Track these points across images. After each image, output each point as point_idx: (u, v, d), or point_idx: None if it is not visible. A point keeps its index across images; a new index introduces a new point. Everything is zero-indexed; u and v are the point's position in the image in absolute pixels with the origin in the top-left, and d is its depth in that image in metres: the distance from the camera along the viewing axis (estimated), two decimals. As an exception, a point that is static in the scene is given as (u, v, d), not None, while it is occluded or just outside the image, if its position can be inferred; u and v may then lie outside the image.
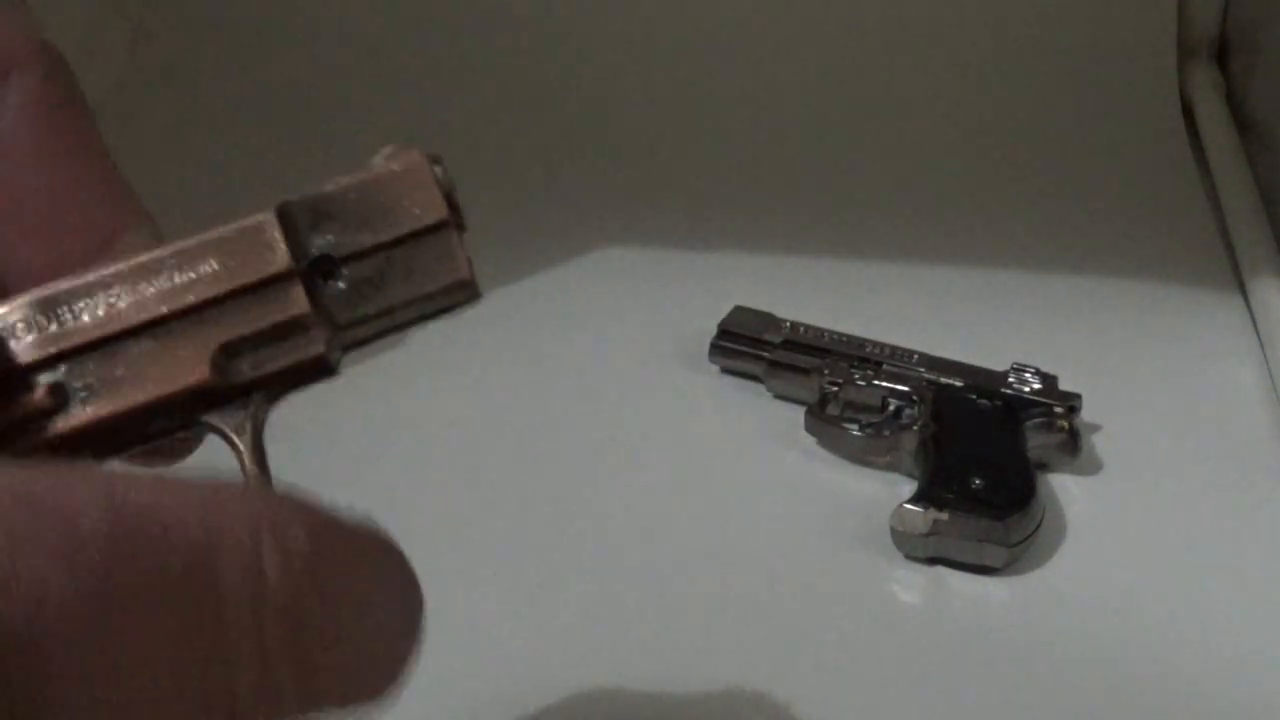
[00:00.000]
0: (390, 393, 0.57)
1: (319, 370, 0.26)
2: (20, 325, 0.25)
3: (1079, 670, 0.45)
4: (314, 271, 0.26)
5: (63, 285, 0.25)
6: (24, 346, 0.25)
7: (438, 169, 0.27)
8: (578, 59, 0.86)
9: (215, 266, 0.25)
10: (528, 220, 0.71)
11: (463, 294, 0.27)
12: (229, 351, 0.26)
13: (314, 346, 0.26)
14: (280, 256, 0.26)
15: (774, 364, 0.58)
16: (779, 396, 0.59)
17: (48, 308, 0.25)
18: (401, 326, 0.27)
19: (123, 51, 0.87)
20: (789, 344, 0.58)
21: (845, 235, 0.71)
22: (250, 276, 0.26)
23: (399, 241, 0.26)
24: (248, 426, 0.26)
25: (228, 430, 0.26)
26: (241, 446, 0.26)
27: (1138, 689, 0.45)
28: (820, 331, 0.59)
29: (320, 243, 0.26)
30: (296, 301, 0.26)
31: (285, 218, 0.26)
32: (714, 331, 0.60)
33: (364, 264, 0.26)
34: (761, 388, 0.59)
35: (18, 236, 0.27)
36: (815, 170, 0.77)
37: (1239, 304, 0.64)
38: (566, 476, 0.55)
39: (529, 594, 0.49)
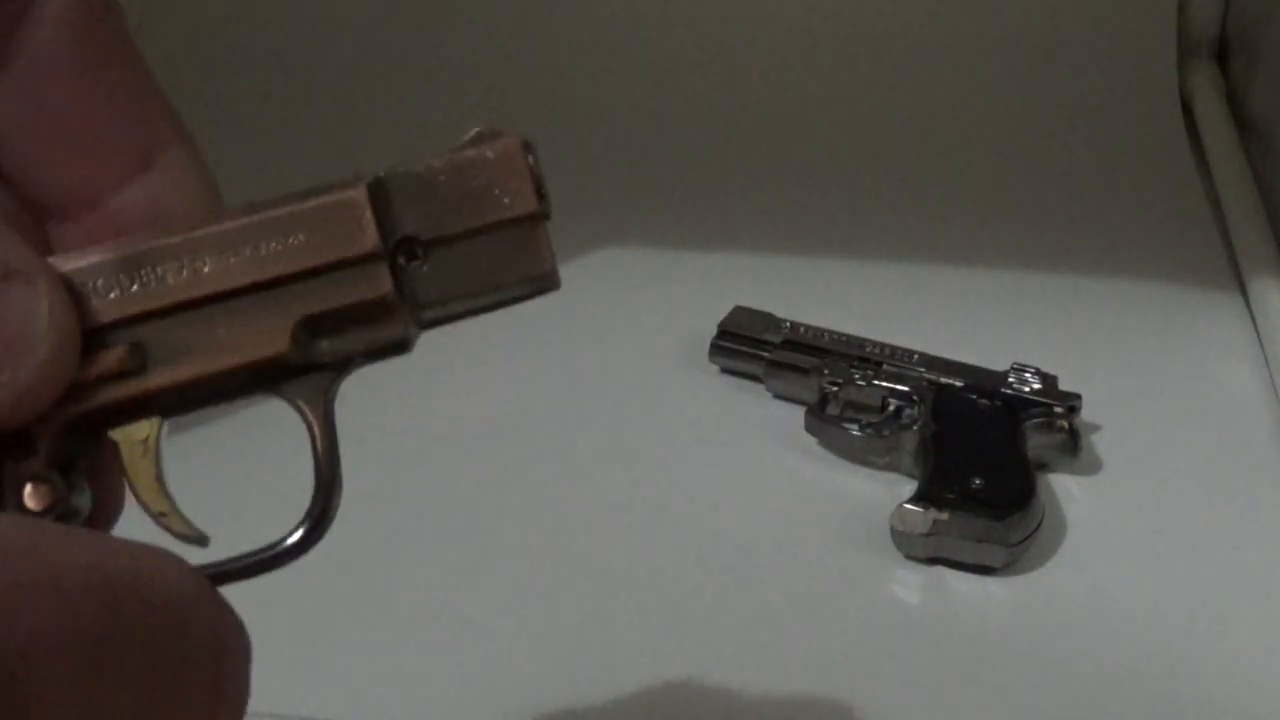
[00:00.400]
0: (389, 393, 0.57)
1: (395, 348, 0.26)
2: (102, 283, 0.25)
3: (1079, 670, 0.45)
4: (398, 251, 0.26)
5: (147, 244, 0.25)
6: (106, 304, 0.25)
7: (530, 158, 0.26)
8: (578, 59, 0.86)
9: (302, 239, 0.25)
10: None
11: (543, 284, 0.27)
12: (309, 326, 0.25)
13: (394, 328, 0.26)
14: (369, 237, 0.25)
15: (774, 364, 0.58)
16: (779, 396, 0.59)
17: (131, 267, 0.25)
18: (479, 311, 0.27)
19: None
20: (789, 344, 0.58)
21: (845, 235, 0.71)
22: (337, 254, 0.25)
23: (487, 229, 0.26)
24: (320, 400, 0.26)
25: (301, 404, 0.26)
26: (313, 420, 0.26)
27: (1138, 688, 0.45)
28: (820, 331, 0.59)
29: (408, 224, 0.26)
30: (381, 282, 0.25)
31: (377, 196, 0.25)
32: (714, 331, 0.60)
33: (449, 249, 0.26)
34: (761, 388, 0.59)
35: (56, 154, 0.26)
36: (815, 170, 0.77)
37: (1239, 304, 0.64)
38: (567, 476, 0.55)
39: (527, 593, 0.49)
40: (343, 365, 0.26)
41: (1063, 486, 0.53)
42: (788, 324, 0.59)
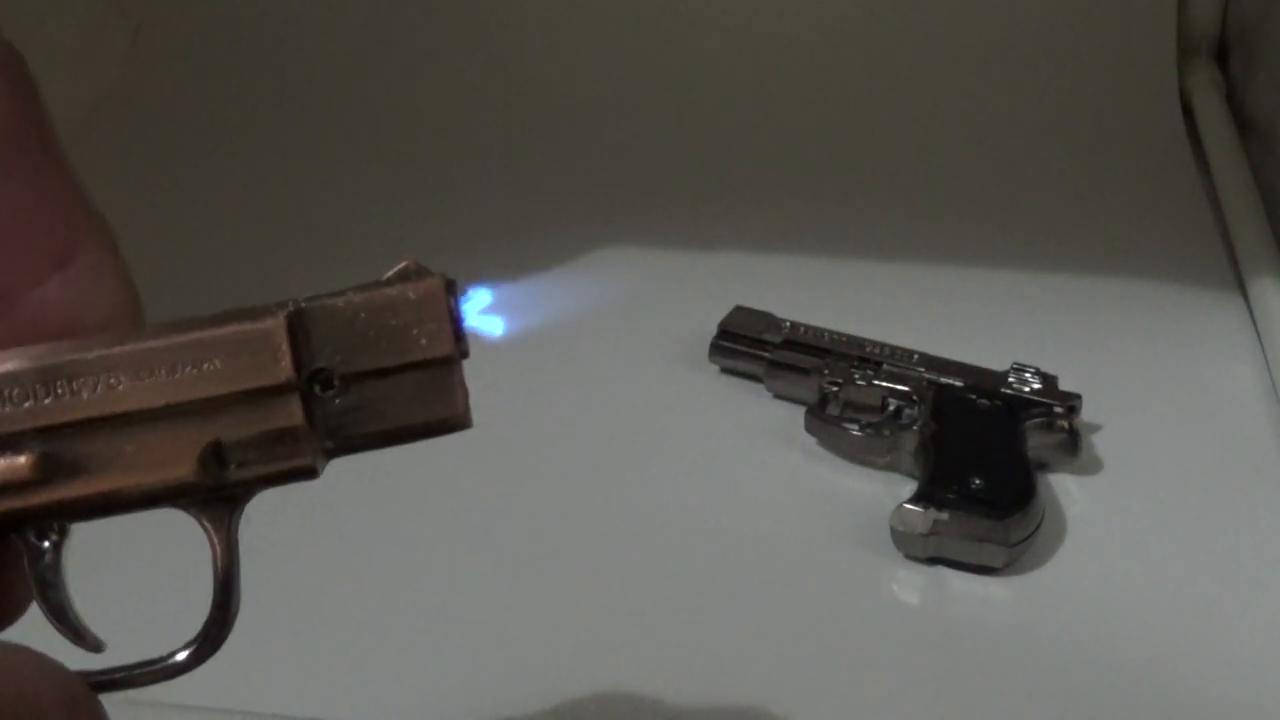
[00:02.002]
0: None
1: (302, 475, 0.27)
2: (18, 391, 0.25)
3: (1079, 670, 0.45)
4: (313, 381, 0.26)
5: (65, 357, 0.25)
6: (19, 412, 0.25)
7: (452, 300, 0.27)
8: (578, 59, 0.86)
9: (218, 365, 0.26)
10: (528, 220, 0.71)
11: (453, 425, 0.27)
12: (217, 451, 0.26)
13: (302, 457, 0.26)
14: (284, 368, 0.26)
15: (774, 364, 0.58)
16: (779, 396, 0.59)
17: (48, 378, 0.25)
18: (388, 444, 0.27)
19: (123, 51, 0.87)
20: (789, 344, 0.58)
21: (845, 235, 0.71)
22: (251, 383, 0.26)
23: (402, 368, 0.26)
24: (224, 522, 0.26)
25: (205, 523, 0.26)
26: (216, 540, 0.26)
27: (1137, 688, 0.45)
28: (820, 331, 0.59)
29: (324, 356, 0.26)
30: (292, 413, 0.26)
31: (295, 327, 0.26)
32: (714, 331, 0.60)
33: (363, 384, 0.26)
34: (761, 388, 0.59)
35: None
36: (815, 170, 0.77)
37: (1239, 304, 0.64)
38: (567, 476, 0.55)
39: (527, 593, 0.49)
40: (248, 490, 0.27)
41: (1063, 486, 0.53)
42: (788, 324, 0.59)
